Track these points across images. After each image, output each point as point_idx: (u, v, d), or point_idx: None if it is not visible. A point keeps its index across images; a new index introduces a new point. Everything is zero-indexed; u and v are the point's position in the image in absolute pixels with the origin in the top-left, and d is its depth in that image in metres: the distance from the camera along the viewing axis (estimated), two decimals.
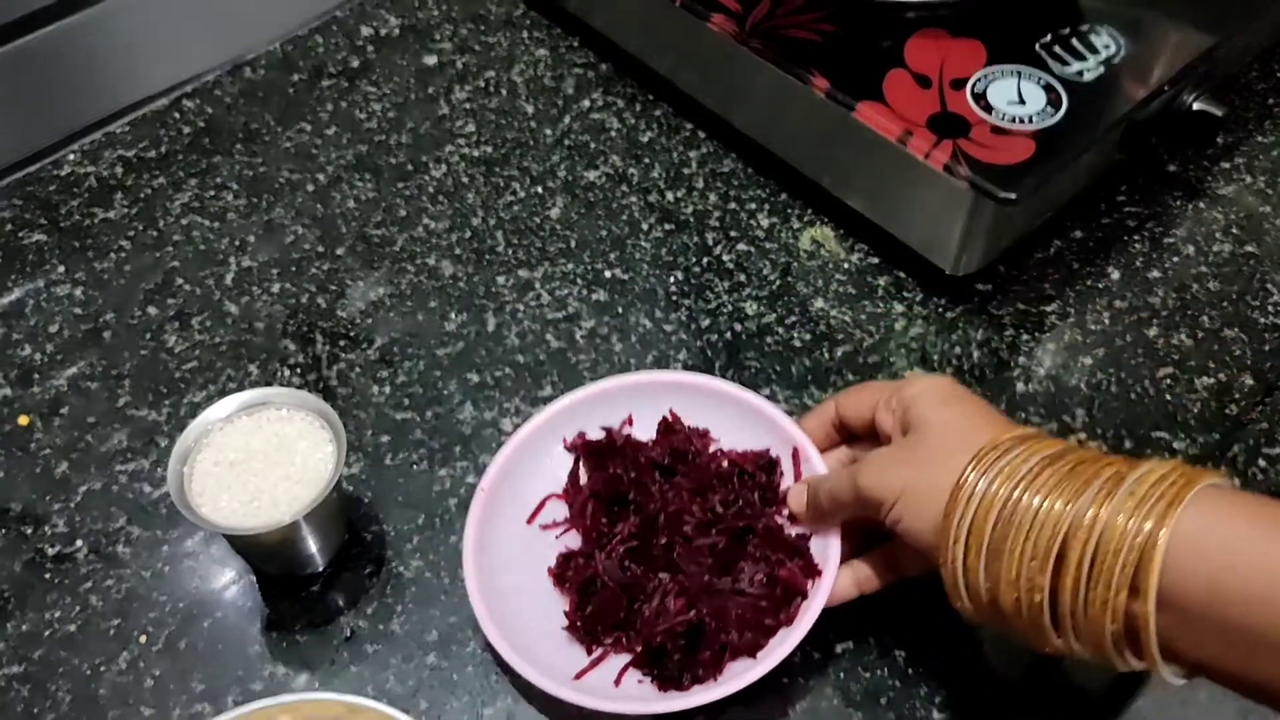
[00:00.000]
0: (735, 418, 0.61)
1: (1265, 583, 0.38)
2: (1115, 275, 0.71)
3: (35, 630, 0.57)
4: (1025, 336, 0.68)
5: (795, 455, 0.58)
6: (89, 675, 0.55)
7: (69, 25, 0.79)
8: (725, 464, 0.59)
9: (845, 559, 0.54)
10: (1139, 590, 0.40)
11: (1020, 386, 0.66)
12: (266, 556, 0.57)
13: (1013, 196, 0.61)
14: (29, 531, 0.61)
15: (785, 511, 0.58)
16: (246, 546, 0.56)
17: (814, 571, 0.54)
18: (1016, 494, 0.44)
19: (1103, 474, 0.43)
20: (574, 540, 0.58)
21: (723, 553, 0.55)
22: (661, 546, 0.56)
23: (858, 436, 0.57)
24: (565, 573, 0.56)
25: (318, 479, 0.54)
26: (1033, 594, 0.43)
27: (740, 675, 0.51)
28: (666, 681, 0.52)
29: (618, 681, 0.53)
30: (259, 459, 0.55)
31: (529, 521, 0.59)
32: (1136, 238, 0.73)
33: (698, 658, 0.52)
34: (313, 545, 0.57)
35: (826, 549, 0.55)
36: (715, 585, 0.55)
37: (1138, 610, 0.40)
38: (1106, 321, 0.69)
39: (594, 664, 0.54)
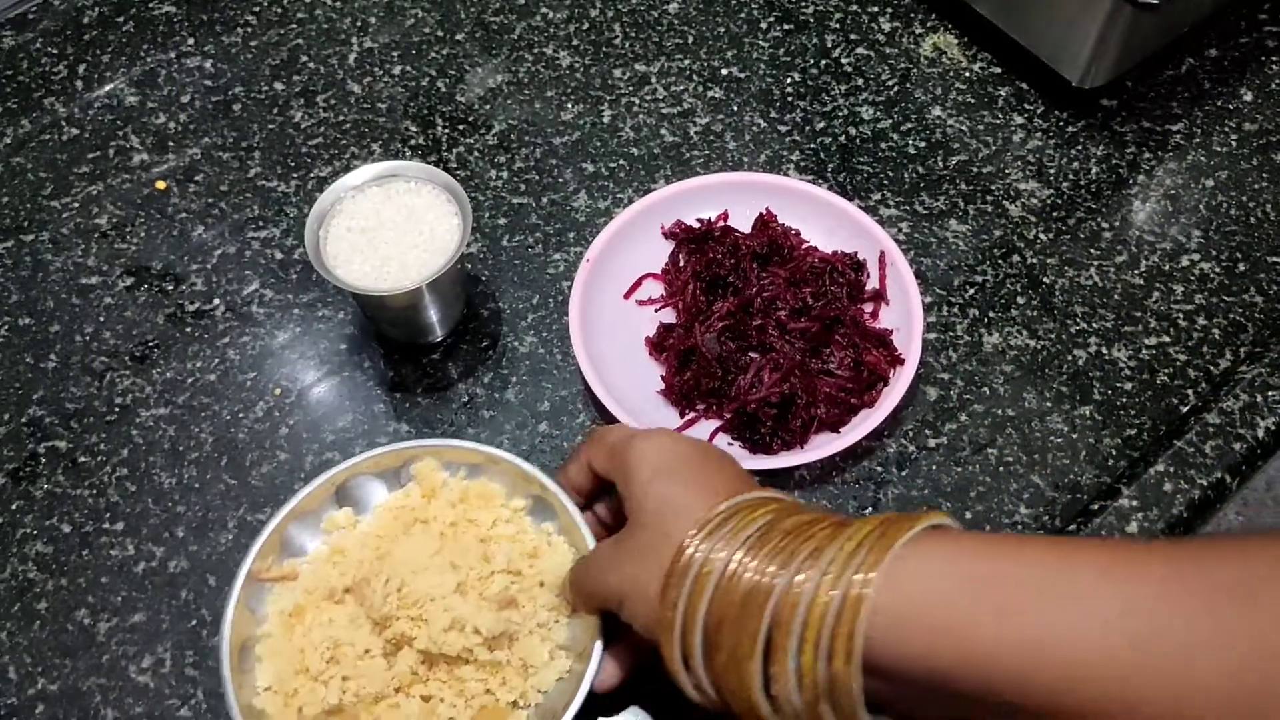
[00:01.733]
0: (826, 221, 0.63)
1: (979, 642, 0.35)
2: (1248, 97, 0.69)
3: (179, 378, 0.61)
4: (1147, 155, 0.67)
5: (882, 259, 0.61)
6: (229, 420, 0.60)
7: None
8: (817, 260, 0.61)
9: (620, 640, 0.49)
10: (848, 657, 0.37)
11: (1137, 205, 0.65)
12: (392, 321, 0.60)
13: (1154, 2, 0.59)
14: (170, 289, 0.64)
15: (868, 308, 0.60)
16: (374, 310, 0.59)
17: (896, 360, 0.58)
18: (729, 572, 0.40)
19: (815, 537, 0.39)
20: (668, 317, 0.62)
21: (814, 337, 0.58)
22: (755, 327, 0.59)
23: None
24: (665, 342, 0.60)
25: (444, 249, 0.56)
26: (745, 674, 0.39)
27: (825, 446, 0.55)
28: (757, 445, 0.56)
29: (710, 441, 0.57)
30: (389, 227, 0.57)
31: (626, 296, 0.62)
32: (1275, 59, 0.71)
33: (788, 425, 0.56)
34: (434, 314, 0.59)
35: (910, 341, 0.57)
36: (807, 364, 0.58)
37: (843, 677, 0.37)
38: (1234, 144, 0.67)
39: (688, 424, 0.58)
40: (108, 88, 0.72)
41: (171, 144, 0.70)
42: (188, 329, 0.63)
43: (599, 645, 0.47)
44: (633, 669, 0.49)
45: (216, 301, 0.64)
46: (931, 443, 0.58)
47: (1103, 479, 0.56)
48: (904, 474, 0.57)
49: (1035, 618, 0.35)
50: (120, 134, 0.70)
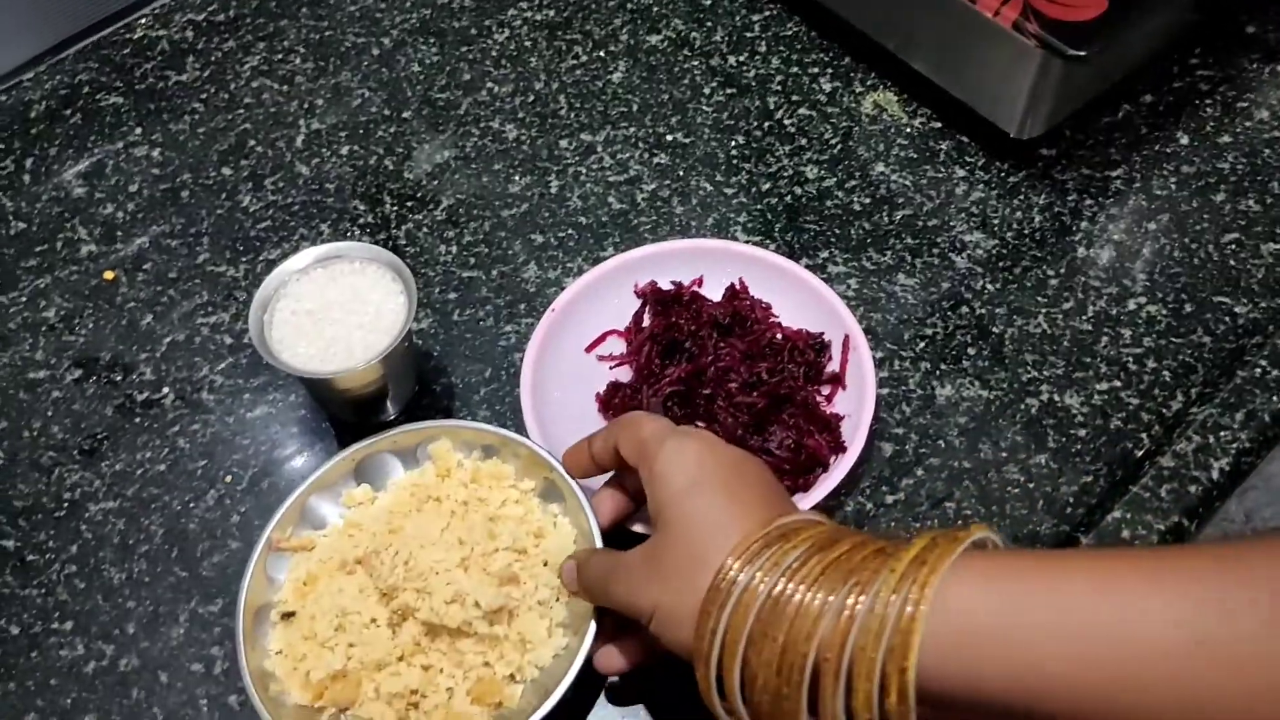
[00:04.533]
0: (798, 298, 0.62)
1: (1030, 659, 0.35)
2: (1184, 140, 0.70)
3: (128, 469, 0.61)
4: (1089, 201, 0.68)
5: (845, 342, 0.60)
6: (179, 511, 0.59)
7: None
8: (779, 336, 0.61)
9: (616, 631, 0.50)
10: (901, 685, 0.36)
11: (1081, 251, 0.66)
12: (342, 403, 0.60)
13: (1082, 54, 0.60)
14: (119, 379, 0.64)
15: (825, 391, 0.60)
16: (323, 392, 0.59)
17: (840, 448, 0.57)
18: (771, 602, 0.39)
19: (857, 565, 0.38)
20: (625, 375, 0.62)
21: (759, 413, 0.58)
22: (704, 396, 0.58)
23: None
24: (612, 400, 0.60)
25: (390, 327, 0.56)
26: (788, 707, 0.38)
27: None
28: None
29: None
30: (335, 308, 0.57)
31: (588, 350, 0.62)
32: (1208, 102, 0.72)
33: None
34: (384, 393, 0.59)
35: (857, 429, 0.56)
36: (746, 440, 0.57)
37: (897, 709, 0.36)
38: (1173, 187, 0.68)
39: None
40: (55, 180, 0.72)
41: (120, 234, 0.70)
42: (137, 419, 0.62)
43: (592, 624, 0.49)
44: (640, 663, 0.50)
45: (166, 390, 0.63)
46: (889, 499, 0.58)
47: (1061, 527, 0.56)
48: (863, 530, 0.57)
49: (1089, 628, 0.34)
50: (68, 226, 0.70)
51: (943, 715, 0.37)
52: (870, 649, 0.36)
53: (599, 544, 0.51)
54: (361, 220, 0.69)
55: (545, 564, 0.52)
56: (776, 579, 0.39)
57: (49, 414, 0.63)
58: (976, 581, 0.36)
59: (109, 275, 0.68)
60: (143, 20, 0.80)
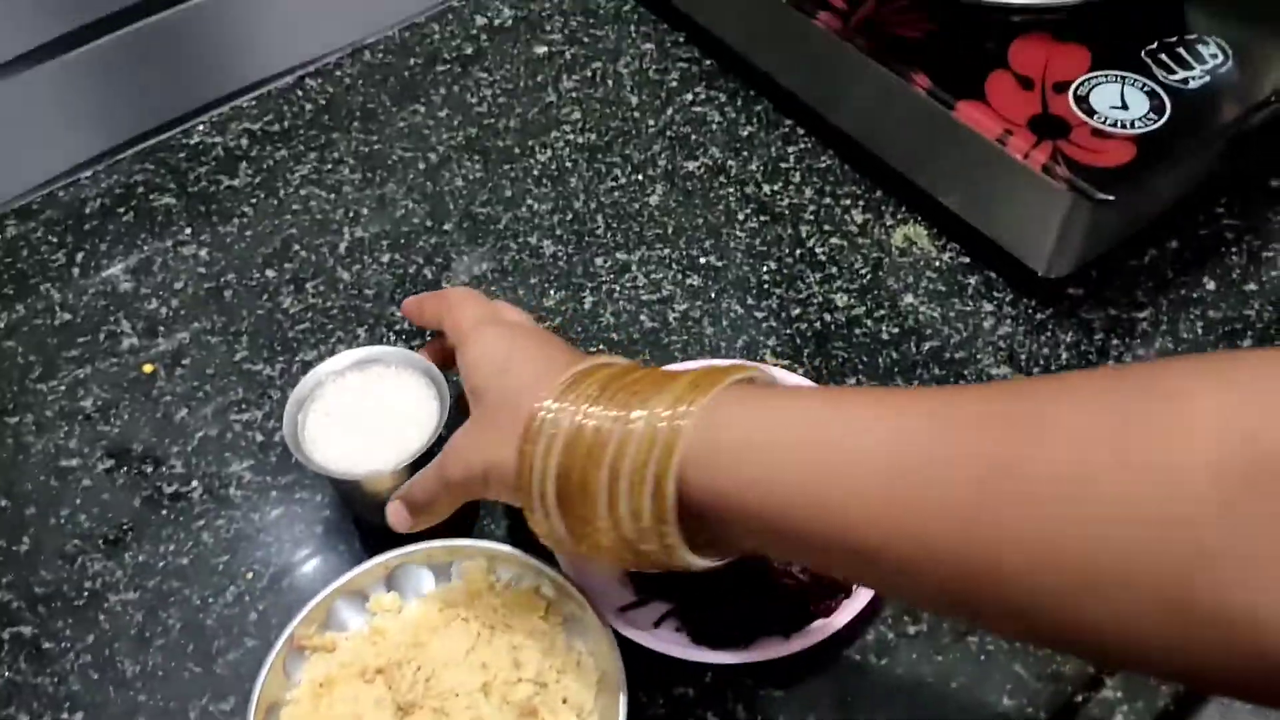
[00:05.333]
0: None
1: (761, 471, 0.40)
2: (1210, 286, 0.71)
3: (150, 561, 0.61)
4: (1115, 341, 0.69)
5: None
6: (198, 605, 0.59)
7: (203, 4, 0.84)
8: None
9: None
10: (663, 490, 0.42)
11: None
12: (370, 505, 0.60)
13: (1110, 198, 0.62)
14: (149, 470, 0.64)
15: None
16: (351, 494, 0.59)
17: None
18: (576, 425, 0.44)
19: (649, 385, 0.44)
20: None
21: None
22: None
23: None
24: None
25: (421, 433, 0.57)
26: (592, 520, 0.44)
27: (767, 649, 0.54)
28: (699, 638, 0.55)
29: (657, 624, 0.56)
30: (369, 412, 0.58)
31: None
32: (1234, 250, 0.73)
33: (734, 628, 0.55)
34: None
35: None
36: (768, 566, 0.56)
37: (664, 514, 0.42)
38: (1199, 331, 0.69)
39: (639, 604, 0.56)
40: (103, 274, 0.74)
41: (162, 329, 0.71)
42: (163, 511, 0.63)
43: None
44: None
45: (195, 484, 0.64)
46: (911, 629, 0.57)
47: (1086, 669, 0.55)
48: (883, 663, 0.56)
49: (817, 435, 0.40)
50: (112, 319, 0.72)
51: (713, 532, 0.43)
52: (643, 454, 0.42)
53: (623, 683, 0.50)
54: (398, 326, 0.71)
55: (565, 701, 0.52)
56: (580, 408, 0.44)
57: (77, 502, 0.63)
58: (737, 403, 0.42)
59: (148, 368, 0.69)
60: (200, 127, 0.83)
